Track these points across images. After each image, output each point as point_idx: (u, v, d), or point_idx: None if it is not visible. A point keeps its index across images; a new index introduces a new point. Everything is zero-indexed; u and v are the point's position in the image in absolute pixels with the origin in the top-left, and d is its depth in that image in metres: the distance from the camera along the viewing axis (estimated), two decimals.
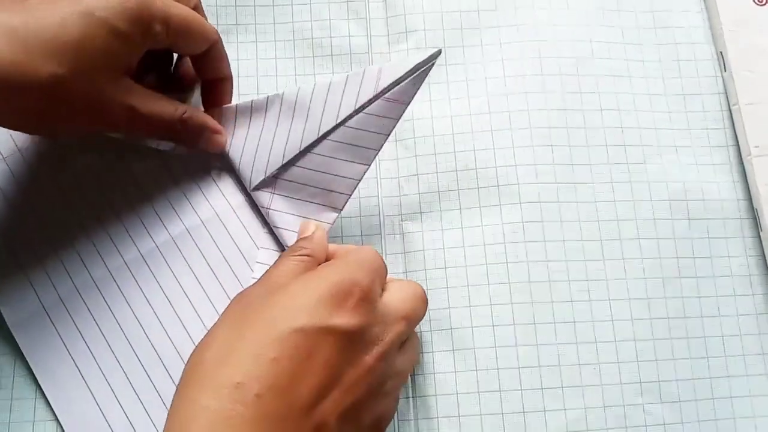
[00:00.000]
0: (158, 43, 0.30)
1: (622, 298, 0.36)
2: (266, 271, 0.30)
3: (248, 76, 0.38)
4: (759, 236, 0.37)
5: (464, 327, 0.35)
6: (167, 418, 0.24)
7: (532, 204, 0.36)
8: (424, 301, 0.31)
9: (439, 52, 0.33)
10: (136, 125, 0.31)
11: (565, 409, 0.34)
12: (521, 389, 0.34)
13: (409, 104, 0.33)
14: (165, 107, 0.32)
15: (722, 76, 0.39)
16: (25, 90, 0.26)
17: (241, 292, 0.29)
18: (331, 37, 0.38)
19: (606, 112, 0.38)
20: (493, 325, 0.35)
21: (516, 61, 0.38)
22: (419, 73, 0.33)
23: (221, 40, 0.33)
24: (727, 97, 0.39)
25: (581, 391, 0.34)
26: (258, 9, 0.38)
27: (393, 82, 0.33)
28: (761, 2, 0.40)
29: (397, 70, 0.33)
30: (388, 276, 0.31)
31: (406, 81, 0.33)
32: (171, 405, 0.25)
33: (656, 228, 0.37)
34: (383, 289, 0.30)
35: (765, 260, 0.37)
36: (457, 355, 0.34)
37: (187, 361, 0.26)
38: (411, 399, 0.34)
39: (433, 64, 0.33)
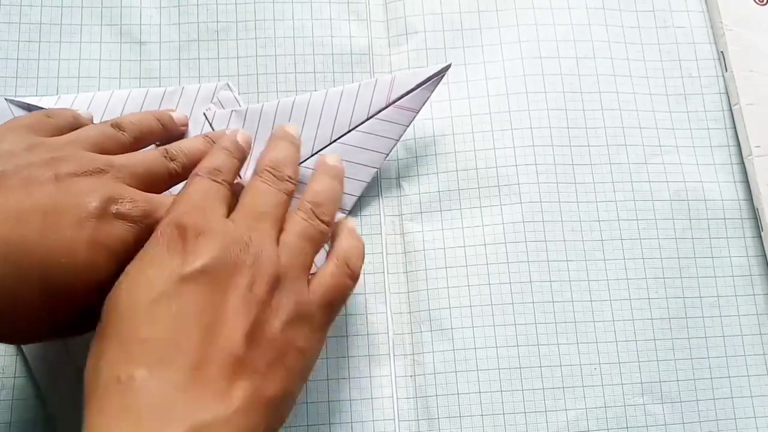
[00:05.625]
0: None
1: (623, 298, 0.36)
2: None
3: (248, 75, 0.37)
4: (760, 236, 0.37)
5: (464, 327, 0.35)
6: None
7: (533, 204, 0.36)
8: (278, 183, 0.30)
9: (449, 66, 0.35)
10: None
11: (566, 410, 0.34)
12: (522, 389, 0.34)
13: (419, 112, 0.35)
14: None
15: (723, 76, 0.39)
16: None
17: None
18: (332, 36, 0.38)
19: (607, 111, 0.38)
20: (494, 325, 0.35)
21: (516, 61, 0.38)
22: (430, 83, 0.35)
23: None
24: (728, 96, 0.39)
25: (582, 391, 0.34)
26: (258, 5, 0.38)
27: (405, 92, 0.35)
28: (762, 2, 0.40)
29: (410, 80, 0.35)
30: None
31: (417, 90, 0.35)
32: None
33: (657, 228, 0.37)
34: (230, 207, 0.29)
35: (766, 260, 0.37)
36: (458, 355, 0.34)
37: None
38: (412, 399, 0.34)
39: (443, 76, 0.35)
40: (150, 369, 0.23)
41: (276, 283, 0.27)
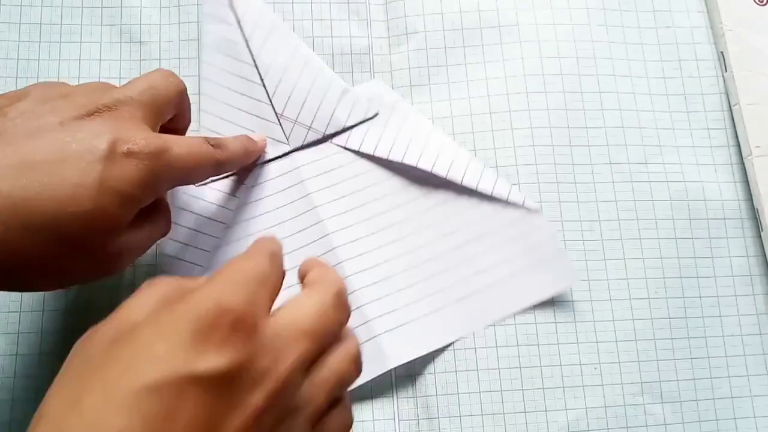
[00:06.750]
0: None
1: (623, 298, 0.36)
2: (121, 305, 0.22)
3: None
4: (760, 236, 0.37)
5: None
6: None
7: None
8: (342, 307, 0.24)
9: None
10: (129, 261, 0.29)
11: (566, 409, 0.34)
12: (522, 389, 0.34)
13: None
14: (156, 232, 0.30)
15: (723, 76, 0.39)
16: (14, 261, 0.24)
17: (89, 332, 0.22)
18: (332, 36, 0.38)
19: (607, 111, 0.38)
20: (494, 325, 0.35)
21: (517, 61, 0.38)
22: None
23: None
24: (728, 97, 0.39)
25: (582, 391, 0.34)
26: None
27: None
28: (762, 2, 0.40)
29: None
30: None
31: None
32: None
33: (657, 228, 0.37)
34: (276, 306, 0.23)
35: (766, 260, 0.37)
36: (458, 355, 0.34)
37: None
38: (412, 399, 0.34)
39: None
40: None
41: (289, 417, 0.22)
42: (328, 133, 0.36)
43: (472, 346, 0.34)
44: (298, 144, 0.36)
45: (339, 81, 0.37)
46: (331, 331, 0.24)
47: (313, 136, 0.36)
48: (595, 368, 0.35)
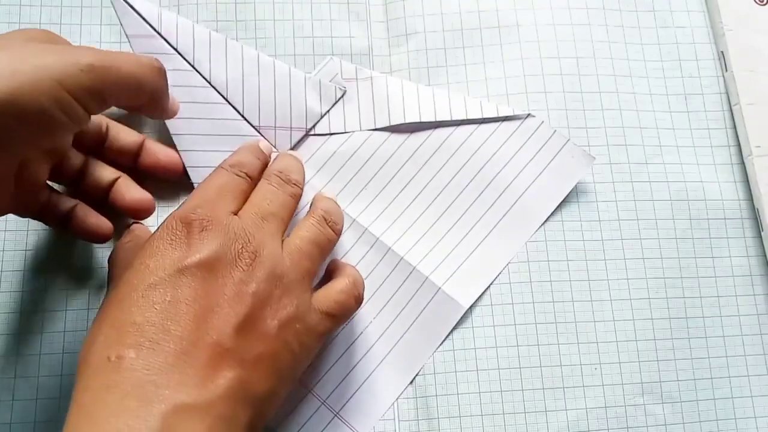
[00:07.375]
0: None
1: (623, 298, 0.36)
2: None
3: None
4: (760, 236, 0.37)
5: (464, 327, 0.35)
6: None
7: None
8: (290, 195, 0.31)
9: None
10: None
11: (565, 410, 0.34)
12: (522, 389, 0.34)
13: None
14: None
15: (723, 76, 0.39)
16: None
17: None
18: (332, 36, 0.38)
19: (607, 111, 0.38)
20: (494, 325, 0.35)
21: (517, 62, 0.38)
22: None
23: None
24: (728, 96, 0.39)
25: (582, 391, 0.34)
26: (258, 5, 0.38)
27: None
28: (762, 2, 0.40)
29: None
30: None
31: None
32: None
33: (657, 228, 0.37)
34: (246, 200, 0.30)
35: (766, 260, 0.37)
36: (458, 355, 0.34)
37: None
38: (412, 399, 0.34)
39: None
40: (138, 350, 0.24)
41: (276, 282, 0.27)
42: (309, 126, 0.36)
43: (472, 346, 0.34)
44: (288, 147, 0.36)
45: (296, 71, 0.36)
46: (282, 209, 0.30)
47: (298, 135, 0.36)
48: (595, 368, 0.35)
